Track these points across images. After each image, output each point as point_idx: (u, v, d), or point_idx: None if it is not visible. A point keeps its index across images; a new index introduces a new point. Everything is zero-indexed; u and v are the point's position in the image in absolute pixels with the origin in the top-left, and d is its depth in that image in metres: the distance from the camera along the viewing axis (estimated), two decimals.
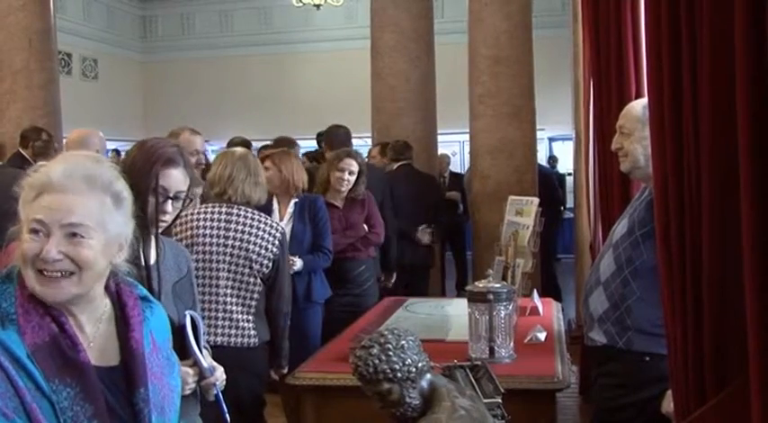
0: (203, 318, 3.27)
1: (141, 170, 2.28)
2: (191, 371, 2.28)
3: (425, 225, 6.18)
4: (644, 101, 2.47)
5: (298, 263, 4.14)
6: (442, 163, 9.81)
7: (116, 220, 1.58)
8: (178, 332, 2.20)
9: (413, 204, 6.09)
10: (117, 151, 10.27)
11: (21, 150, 5.80)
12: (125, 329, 1.63)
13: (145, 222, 2.25)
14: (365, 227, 4.85)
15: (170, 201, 2.31)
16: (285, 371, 3.41)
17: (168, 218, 2.35)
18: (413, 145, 6.57)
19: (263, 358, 3.37)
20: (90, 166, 1.57)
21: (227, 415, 2.36)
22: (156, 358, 1.67)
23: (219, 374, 2.36)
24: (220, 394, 2.35)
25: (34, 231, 1.49)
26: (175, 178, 2.32)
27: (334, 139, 5.71)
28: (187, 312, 2.23)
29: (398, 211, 5.80)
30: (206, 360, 2.33)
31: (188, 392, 2.29)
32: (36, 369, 1.45)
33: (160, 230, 2.36)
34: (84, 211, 1.52)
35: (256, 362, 3.34)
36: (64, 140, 7.15)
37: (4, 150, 5.55)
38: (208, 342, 3.22)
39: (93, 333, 1.60)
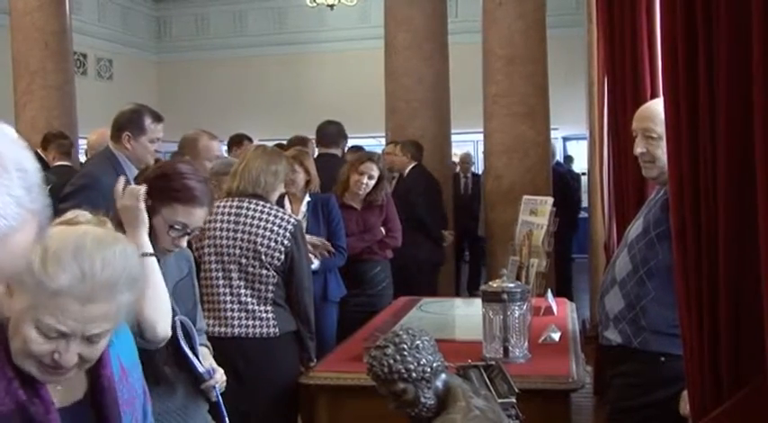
0: (220, 311, 3.29)
1: (162, 196, 2.29)
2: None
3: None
4: None
5: (315, 262, 4.15)
6: (465, 163, 9.77)
7: (129, 302, 1.44)
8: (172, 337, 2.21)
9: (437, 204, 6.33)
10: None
11: (40, 152, 5.83)
12: (95, 363, 1.48)
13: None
14: (382, 230, 4.84)
15: (186, 236, 2.33)
16: (313, 363, 3.37)
17: (178, 250, 2.38)
18: (426, 145, 6.58)
19: (287, 348, 3.35)
20: (108, 269, 1.37)
21: (227, 418, 2.37)
22: (126, 383, 1.56)
23: (219, 376, 2.36)
24: (220, 397, 2.36)
25: (45, 333, 1.34)
26: (198, 217, 2.33)
27: (325, 135, 5.70)
28: (177, 318, 2.24)
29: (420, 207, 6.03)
30: (204, 363, 2.33)
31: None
32: None
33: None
34: (108, 317, 1.38)
35: (280, 352, 3.32)
36: (79, 140, 7.20)
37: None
38: (225, 335, 3.24)
39: None
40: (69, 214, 1.51)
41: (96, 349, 1.41)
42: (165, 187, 2.29)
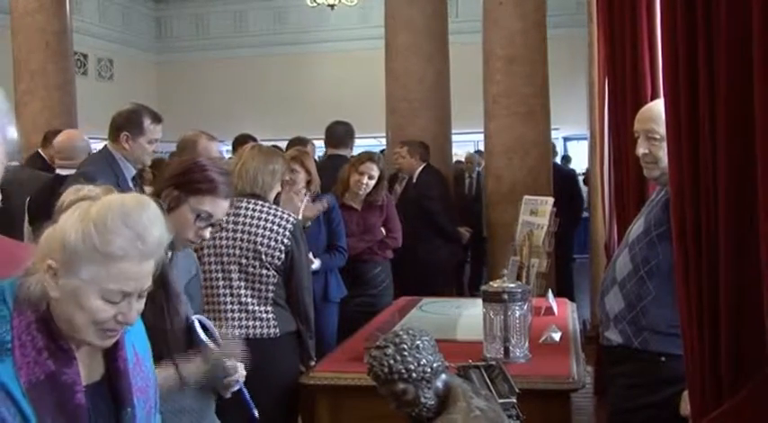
0: (220, 311, 3.29)
1: (188, 188, 2.34)
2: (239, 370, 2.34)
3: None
4: None
5: (316, 262, 4.14)
6: (469, 163, 9.77)
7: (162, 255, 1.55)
8: (187, 333, 2.22)
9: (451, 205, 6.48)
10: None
11: (40, 151, 5.83)
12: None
13: None
14: (383, 230, 4.84)
15: (210, 227, 2.38)
16: (313, 363, 3.37)
17: (202, 240, 2.43)
18: (427, 145, 6.59)
19: (287, 348, 3.34)
20: (154, 226, 1.46)
21: (255, 410, 2.37)
22: (140, 371, 1.61)
23: (242, 371, 2.38)
24: (245, 389, 2.36)
25: (110, 299, 1.43)
26: (222, 209, 2.39)
27: (334, 135, 5.69)
28: (194, 318, 2.25)
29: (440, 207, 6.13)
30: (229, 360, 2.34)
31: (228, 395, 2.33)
32: (30, 408, 1.38)
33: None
34: (153, 271, 1.48)
35: (280, 352, 3.32)
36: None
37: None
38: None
39: (82, 352, 1.51)
40: (82, 192, 1.52)
41: (142, 304, 1.50)
42: (190, 179, 2.38)
